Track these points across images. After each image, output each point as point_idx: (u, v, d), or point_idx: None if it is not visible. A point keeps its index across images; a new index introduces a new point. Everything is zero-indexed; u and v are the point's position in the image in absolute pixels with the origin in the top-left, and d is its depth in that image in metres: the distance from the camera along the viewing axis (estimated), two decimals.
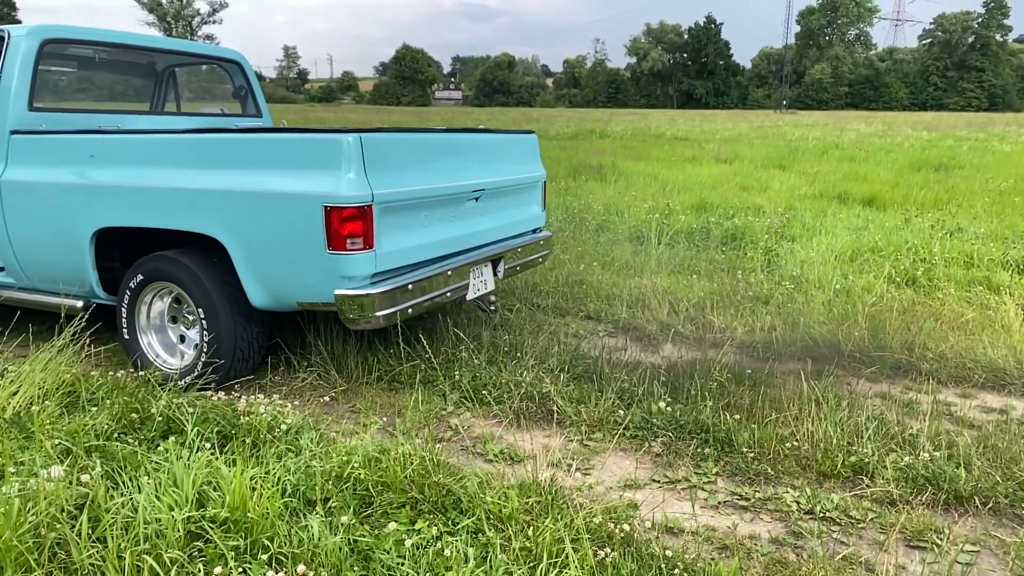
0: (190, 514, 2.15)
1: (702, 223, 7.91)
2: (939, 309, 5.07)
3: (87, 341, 3.70)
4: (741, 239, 7.17)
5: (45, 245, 4.00)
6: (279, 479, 2.43)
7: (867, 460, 2.91)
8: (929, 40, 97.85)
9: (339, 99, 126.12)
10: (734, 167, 14.14)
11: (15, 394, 3.18)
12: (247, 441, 2.78)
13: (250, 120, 5.61)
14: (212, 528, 2.13)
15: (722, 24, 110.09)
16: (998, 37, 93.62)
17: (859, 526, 2.58)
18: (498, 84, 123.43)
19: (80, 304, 4.00)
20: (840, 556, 2.37)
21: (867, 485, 2.79)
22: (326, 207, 3.15)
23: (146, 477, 2.28)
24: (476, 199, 4.04)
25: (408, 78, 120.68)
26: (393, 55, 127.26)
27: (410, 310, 3.47)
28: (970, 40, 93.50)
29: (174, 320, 3.89)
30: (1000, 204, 9.21)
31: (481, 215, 4.13)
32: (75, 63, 4.85)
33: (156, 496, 2.22)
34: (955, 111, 76.78)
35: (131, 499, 2.19)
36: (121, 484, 2.36)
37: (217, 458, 2.48)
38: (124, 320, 3.82)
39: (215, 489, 2.30)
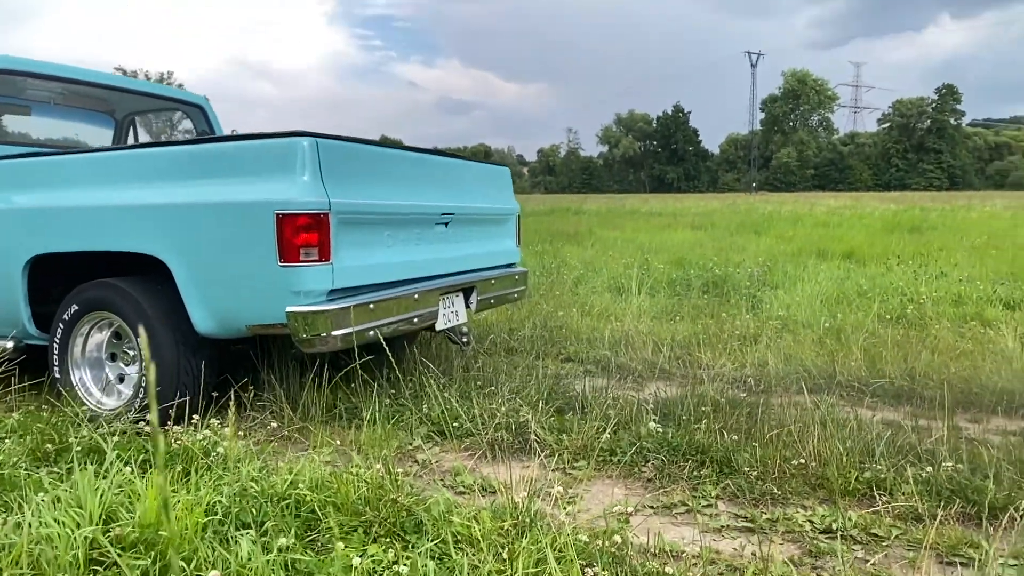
0: (90, 533, 1.77)
1: (682, 275, 7.73)
2: (934, 343, 4.83)
3: (12, 381, 3.32)
4: (723, 286, 6.97)
5: None
6: (207, 501, 2.06)
7: (883, 475, 2.59)
8: (888, 124, 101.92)
9: None
10: (710, 233, 14.15)
11: None
12: (176, 467, 2.40)
13: None
14: (117, 550, 1.75)
15: (690, 112, 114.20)
16: (952, 121, 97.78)
17: (883, 543, 2.24)
18: None
19: (9, 344, 3.64)
20: (868, 573, 2.02)
21: (887, 501, 2.47)
22: (278, 215, 2.88)
23: (42, 495, 1.90)
24: (446, 224, 3.80)
25: None
26: None
27: (371, 332, 3.16)
28: (926, 124, 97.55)
29: (113, 358, 3.53)
30: (978, 255, 9.17)
31: (452, 242, 3.88)
32: (25, 98, 4.63)
33: (56, 519, 1.84)
34: (918, 190, 79.21)
35: (17, 521, 1.81)
36: (15, 509, 1.98)
37: (137, 478, 2.11)
38: (56, 356, 3.46)
39: (128, 510, 1.93)
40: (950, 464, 2.60)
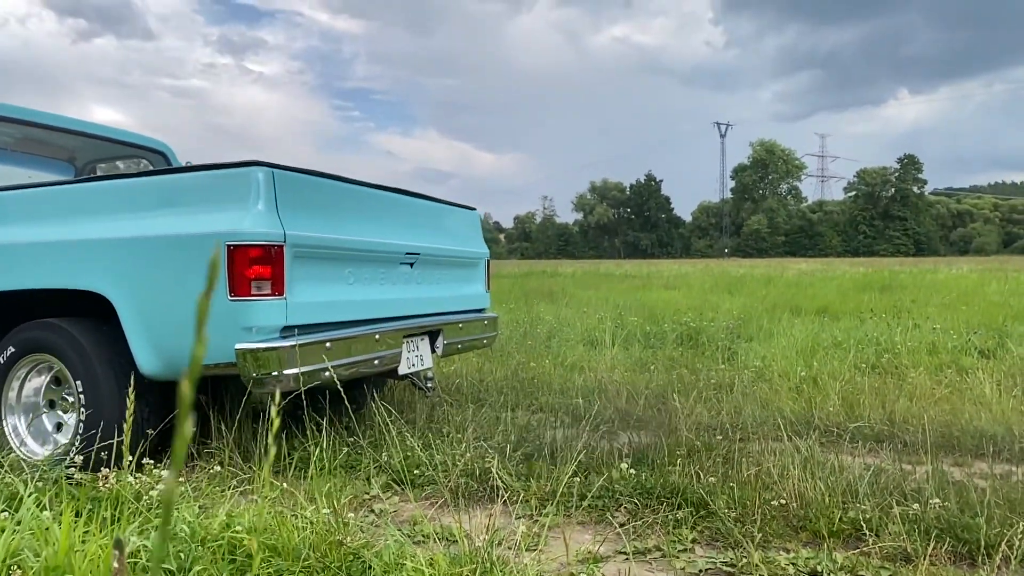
0: None
1: (656, 329, 7.63)
2: (911, 389, 4.74)
3: None
4: (698, 338, 6.88)
5: None
6: (132, 548, 1.85)
7: (868, 515, 2.44)
8: (854, 192, 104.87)
9: None
10: (683, 292, 14.16)
11: None
12: (103, 512, 2.18)
13: None
14: None
15: (662, 180, 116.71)
16: (915, 189, 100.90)
17: None
18: None
19: None
20: None
21: (873, 541, 2.31)
22: (229, 246, 2.74)
23: None
24: (411, 264, 3.68)
25: None
26: None
27: (327, 372, 2.98)
28: (891, 192, 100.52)
29: (51, 405, 3.31)
30: (949, 310, 9.21)
31: (417, 283, 3.75)
32: None
33: None
34: (885, 256, 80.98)
35: None
36: None
37: (52, 522, 1.89)
38: None
39: (37, 554, 1.72)
40: (938, 501, 2.46)
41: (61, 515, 2.10)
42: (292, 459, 3.31)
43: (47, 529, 1.75)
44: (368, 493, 2.96)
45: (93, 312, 3.07)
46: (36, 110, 4.46)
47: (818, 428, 3.87)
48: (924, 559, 2.17)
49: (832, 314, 9.49)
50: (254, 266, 2.75)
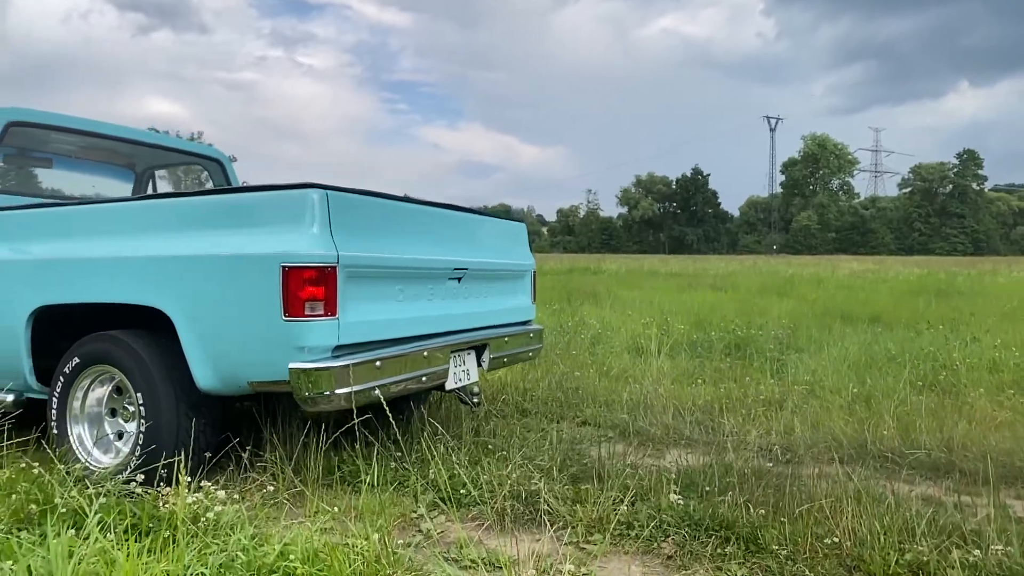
0: None
1: (703, 337, 7.54)
2: (970, 412, 4.59)
3: (4, 436, 3.21)
4: (745, 348, 6.77)
5: None
6: (189, 572, 1.90)
7: (925, 558, 2.37)
8: (909, 189, 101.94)
9: None
10: (731, 294, 13.95)
11: None
12: (162, 534, 2.25)
13: None
14: None
15: (709, 175, 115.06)
16: (974, 185, 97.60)
17: None
18: None
19: (10, 398, 3.54)
20: None
21: None
22: (284, 267, 2.79)
23: (11, 563, 1.76)
24: (458, 279, 3.69)
25: None
26: None
27: (377, 391, 3.02)
28: (948, 189, 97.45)
29: (113, 414, 3.42)
30: (1010, 321, 8.89)
31: (464, 298, 3.77)
32: (46, 151, 4.66)
33: None
34: (941, 255, 78.59)
35: None
36: None
37: (115, 547, 1.96)
38: (55, 411, 3.35)
39: None
40: (999, 547, 2.38)
41: (125, 539, 2.17)
42: (341, 472, 3.37)
43: (113, 561, 1.81)
44: (415, 512, 2.99)
45: (154, 325, 3.16)
46: (100, 121, 4.60)
47: (872, 453, 3.78)
48: None
49: (885, 323, 9.24)
50: (308, 287, 2.80)
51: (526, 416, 4.64)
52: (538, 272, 4.70)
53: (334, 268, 2.84)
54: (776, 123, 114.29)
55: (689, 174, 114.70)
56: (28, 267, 3.40)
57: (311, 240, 2.80)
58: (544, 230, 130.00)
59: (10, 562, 1.79)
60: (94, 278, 3.23)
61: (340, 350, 2.92)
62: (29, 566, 1.79)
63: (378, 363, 3.02)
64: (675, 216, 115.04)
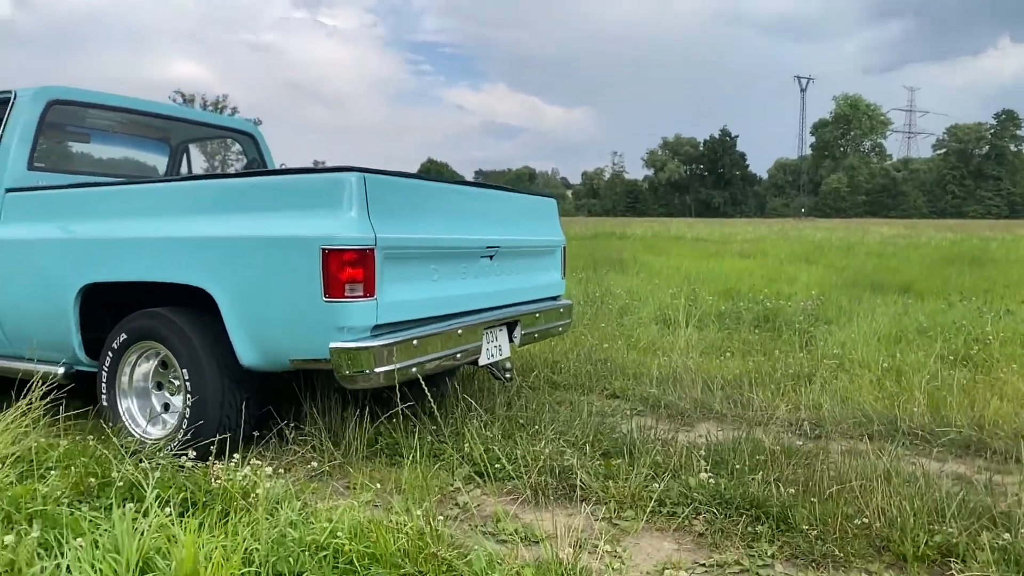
0: None
1: (731, 307, 7.53)
2: (1002, 388, 4.57)
3: (60, 408, 3.35)
4: (774, 320, 6.77)
5: (31, 306, 3.73)
6: (244, 548, 2.01)
7: (955, 540, 2.41)
8: (943, 150, 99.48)
9: None
10: (759, 261, 13.87)
11: None
12: (215, 508, 2.36)
13: None
14: None
15: (737, 136, 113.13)
16: (1012, 147, 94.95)
17: None
18: None
19: (60, 370, 3.68)
20: None
21: (960, 569, 2.29)
22: (324, 250, 2.86)
23: (80, 540, 1.87)
24: (491, 257, 3.74)
25: None
26: (419, 168, 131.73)
27: (414, 369, 3.10)
28: (984, 150, 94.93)
29: (159, 387, 3.55)
30: None
31: (496, 275, 3.82)
32: (85, 127, 4.75)
33: (91, 564, 1.81)
34: (975, 218, 76.92)
35: (56, 566, 1.78)
36: (56, 552, 1.96)
37: (174, 523, 2.07)
38: (104, 384, 3.49)
39: (164, 557, 1.89)
40: None
41: (182, 515, 2.29)
42: (380, 445, 3.48)
43: (174, 537, 1.91)
44: (452, 485, 3.09)
45: (199, 303, 3.25)
46: (135, 98, 4.67)
47: (901, 430, 3.80)
48: None
49: (917, 292, 9.16)
50: (347, 269, 2.86)
51: (556, 389, 4.72)
52: (565, 246, 4.72)
53: (372, 250, 2.90)
54: (807, 83, 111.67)
55: (717, 136, 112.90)
56: (76, 246, 3.50)
57: (350, 223, 2.86)
58: (568, 193, 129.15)
59: (80, 539, 1.90)
60: (139, 258, 3.32)
61: (378, 329, 3.00)
62: (96, 541, 1.90)
63: (415, 342, 3.09)
64: (702, 179, 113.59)
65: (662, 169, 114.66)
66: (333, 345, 2.90)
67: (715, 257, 14.81)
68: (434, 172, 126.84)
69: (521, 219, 4.14)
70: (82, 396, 3.74)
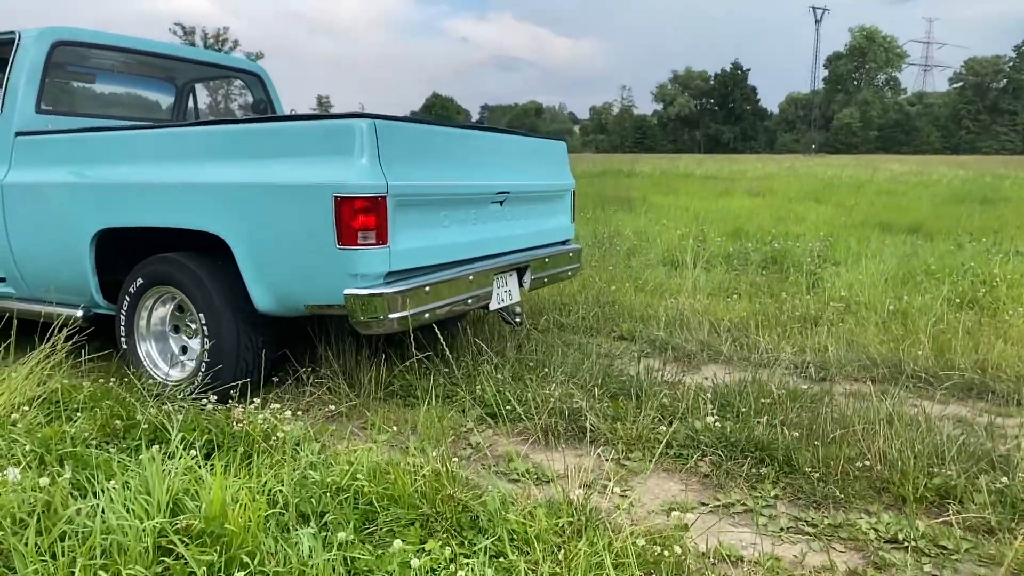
0: (159, 524, 1.81)
1: (740, 248, 7.54)
2: (1007, 331, 4.62)
3: (83, 350, 3.43)
4: (782, 262, 6.78)
5: (47, 250, 3.78)
6: (268, 489, 2.10)
7: (953, 482, 2.49)
8: (960, 84, 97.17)
9: None
10: (767, 200, 13.77)
11: None
12: (238, 450, 2.45)
13: None
14: (185, 541, 1.79)
15: (748, 70, 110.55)
16: None
17: (953, 558, 2.16)
18: (526, 130, 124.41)
19: (79, 313, 3.75)
20: None
21: (957, 511, 2.38)
22: (336, 197, 2.87)
23: (112, 483, 1.96)
24: (500, 203, 3.75)
25: None
26: (423, 104, 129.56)
27: (427, 315, 3.16)
28: (1002, 84, 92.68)
29: (176, 330, 3.62)
30: None
31: (506, 220, 3.83)
32: (90, 68, 4.70)
33: (124, 505, 1.89)
34: (989, 154, 75.66)
35: (92, 507, 1.87)
36: (89, 493, 2.05)
37: (200, 466, 2.15)
38: (123, 328, 3.56)
39: (193, 498, 1.97)
40: None
41: (207, 456, 2.38)
42: (393, 386, 3.57)
43: (200, 479, 1.99)
44: (464, 426, 3.18)
45: (213, 248, 3.28)
46: (141, 38, 4.60)
47: (906, 373, 3.86)
48: (1007, 534, 2.24)
49: (926, 232, 9.12)
50: (359, 216, 2.88)
51: (565, 331, 4.78)
52: (575, 189, 4.71)
53: (384, 198, 2.91)
54: (822, 14, 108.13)
55: (728, 69, 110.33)
56: (89, 191, 3.52)
57: (361, 171, 2.87)
58: (576, 128, 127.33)
59: (112, 481, 1.99)
60: (152, 203, 3.34)
61: (391, 276, 3.04)
62: (127, 483, 1.99)
63: (427, 288, 3.14)
64: (712, 114, 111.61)
65: (672, 104, 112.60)
66: (347, 292, 2.95)
67: (724, 196, 14.70)
68: (439, 107, 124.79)
69: (531, 163, 4.12)
70: (103, 338, 3.82)
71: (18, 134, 3.83)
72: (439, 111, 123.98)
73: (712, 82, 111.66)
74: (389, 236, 2.97)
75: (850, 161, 45.22)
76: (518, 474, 2.71)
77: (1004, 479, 2.46)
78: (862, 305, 5.25)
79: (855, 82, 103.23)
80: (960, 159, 50.43)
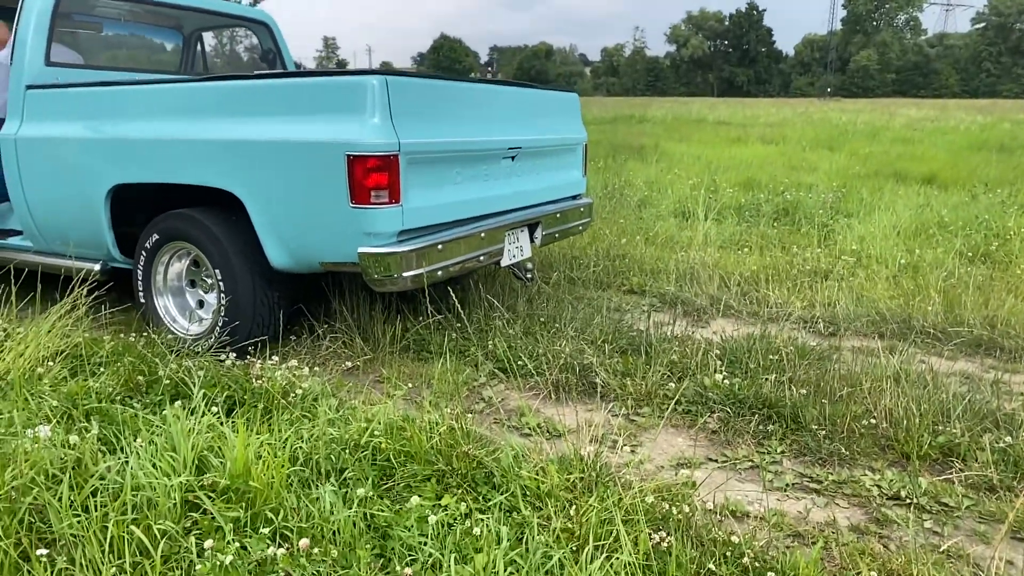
0: (186, 481, 1.89)
1: (751, 199, 7.49)
2: (1018, 285, 4.62)
3: (102, 304, 3.49)
4: (794, 214, 6.75)
5: (62, 204, 3.81)
6: (288, 444, 2.17)
7: (957, 441, 2.54)
8: (982, 24, 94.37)
9: None
10: (780, 148, 13.59)
11: (21, 356, 2.97)
12: (258, 407, 2.52)
13: None
14: (211, 497, 1.87)
15: (764, 10, 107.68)
16: None
17: (954, 515, 2.22)
18: (535, 73, 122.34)
19: (97, 267, 3.80)
20: (940, 549, 2.02)
21: (960, 469, 2.43)
22: (349, 156, 2.87)
23: (140, 441, 2.03)
24: (512, 158, 3.73)
25: (446, 68, 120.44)
26: (431, 45, 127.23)
27: (440, 272, 3.19)
28: None
29: (192, 284, 3.67)
30: None
31: (517, 176, 3.82)
32: (97, 18, 4.65)
33: (151, 462, 1.97)
34: (1009, 98, 73.95)
35: (122, 463, 1.94)
36: (116, 449, 2.12)
37: (223, 423, 2.22)
38: (140, 282, 3.61)
39: (217, 455, 2.05)
40: None
41: (229, 412, 2.45)
42: (407, 340, 3.62)
43: (223, 436, 2.06)
44: (477, 380, 3.24)
45: (228, 204, 3.30)
46: None
47: (915, 329, 3.88)
48: (1008, 492, 2.30)
49: (941, 183, 9.02)
50: (372, 175, 2.89)
51: (575, 285, 4.81)
52: (587, 143, 4.67)
53: (396, 156, 2.91)
54: None
55: (743, 9, 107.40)
56: (103, 146, 3.52)
57: (374, 129, 2.86)
58: (587, 71, 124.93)
59: (139, 440, 2.06)
60: (166, 159, 3.35)
61: (404, 234, 3.06)
62: (153, 440, 2.06)
63: (440, 246, 3.16)
64: (726, 56, 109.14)
65: (685, 45, 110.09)
66: (361, 250, 2.98)
67: (736, 144, 14.51)
68: (447, 49, 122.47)
69: (543, 117, 4.09)
70: (121, 291, 3.88)
71: (29, 87, 3.82)
72: (447, 53, 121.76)
73: (727, 23, 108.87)
74: (402, 194, 2.98)
75: (866, 105, 44.33)
76: (530, 428, 2.78)
77: (1008, 438, 2.51)
78: (873, 259, 5.24)
79: (874, 23, 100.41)
80: (979, 103, 49.33)
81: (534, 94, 4.05)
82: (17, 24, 3.88)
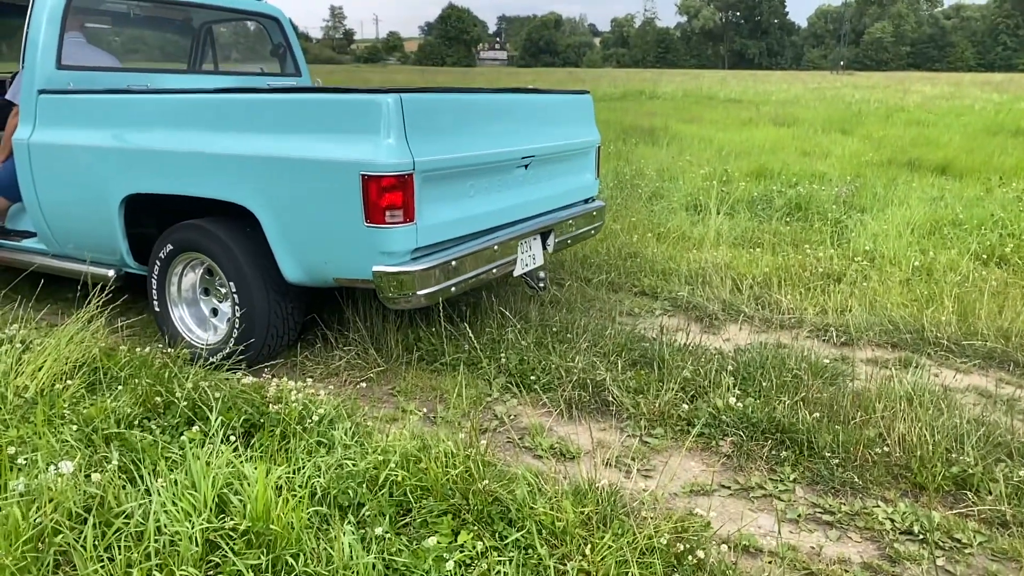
0: (207, 524, 1.91)
1: (764, 191, 7.43)
2: None
3: (117, 312, 3.51)
4: (807, 209, 6.69)
5: (75, 211, 3.81)
6: (308, 481, 2.19)
7: (971, 471, 2.55)
8: None
9: (384, 60, 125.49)
10: (793, 131, 13.44)
11: (40, 369, 3.00)
12: (276, 432, 2.54)
13: (289, 79, 5.34)
14: (231, 539, 1.90)
15: None
16: None
17: (966, 551, 2.24)
18: (544, 44, 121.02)
19: (111, 273, 3.82)
20: None
21: (973, 502, 2.44)
22: (363, 176, 2.86)
23: (161, 480, 2.05)
24: (526, 166, 3.71)
25: (453, 38, 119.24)
26: (439, 15, 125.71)
27: (453, 288, 3.19)
28: None
29: (206, 292, 3.68)
30: None
31: (531, 184, 3.80)
32: (108, 18, 4.62)
33: (172, 501, 1.99)
34: None
35: (142, 503, 1.97)
36: (137, 480, 2.15)
37: (240, 456, 2.24)
38: (155, 292, 3.62)
39: (236, 493, 2.07)
40: None
41: (246, 436, 2.47)
42: (420, 351, 3.64)
43: (242, 475, 2.09)
44: (489, 395, 3.26)
45: (242, 216, 3.30)
46: None
47: (928, 340, 3.87)
48: (1021, 528, 2.30)
49: (955, 172, 8.93)
50: (386, 195, 2.88)
51: (587, 286, 4.80)
52: (600, 145, 4.63)
53: (411, 175, 2.89)
54: None
55: None
56: (117, 155, 3.50)
57: (388, 149, 2.84)
58: (596, 42, 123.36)
59: (159, 479, 2.08)
60: (179, 171, 3.33)
61: (418, 252, 3.06)
62: (174, 479, 2.08)
63: (453, 263, 3.15)
64: (737, 27, 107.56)
65: (696, 16, 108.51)
66: (376, 269, 2.98)
67: (748, 125, 14.37)
68: (454, 19, 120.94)
69: (556, 123, 4.05)
70: (136, 294, 3.90)
71: (41, 92, 3.80)
72: (455, 23, 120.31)
73: None
74: (416, 213, 2.97)
75: (880, 80, 43.75)
76: (542, 450, 2.79)
77: (1022, 472, 2.51)
78: (886, 259, 5.21)
79: None
80: (995, 78, 48.61)
81: (547, 99, 4.00)
82: (28, 25, 3.85)
